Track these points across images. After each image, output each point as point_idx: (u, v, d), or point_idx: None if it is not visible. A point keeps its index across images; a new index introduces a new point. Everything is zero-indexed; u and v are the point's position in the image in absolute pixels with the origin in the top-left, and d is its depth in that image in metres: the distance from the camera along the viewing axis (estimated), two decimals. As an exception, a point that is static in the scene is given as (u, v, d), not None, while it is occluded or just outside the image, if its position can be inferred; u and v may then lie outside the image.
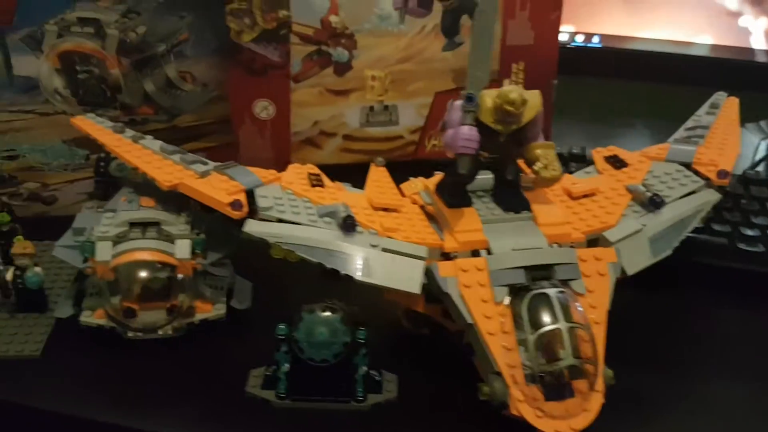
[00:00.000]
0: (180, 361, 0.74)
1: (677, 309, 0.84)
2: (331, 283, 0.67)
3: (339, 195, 0.75)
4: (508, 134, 0.69)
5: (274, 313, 0.67)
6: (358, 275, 0.65)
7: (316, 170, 0.79)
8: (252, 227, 0.68)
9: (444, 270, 0.66)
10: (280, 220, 0.69)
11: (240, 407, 0.68)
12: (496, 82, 1.13)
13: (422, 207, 0.75)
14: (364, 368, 0.67)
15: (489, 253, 0.67)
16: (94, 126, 0.81)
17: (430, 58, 1.10)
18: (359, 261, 0.66)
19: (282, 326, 0.65)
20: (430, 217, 0.74)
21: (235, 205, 0.68)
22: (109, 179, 0.98)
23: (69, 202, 0.99)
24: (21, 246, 0.75)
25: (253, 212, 0.70)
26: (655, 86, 1.33)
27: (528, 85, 0.88)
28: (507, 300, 0.64)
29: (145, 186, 0.78)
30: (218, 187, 0.70)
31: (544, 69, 1.13)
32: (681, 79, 1.27)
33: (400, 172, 0.82)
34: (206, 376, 0.73)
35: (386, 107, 1.13)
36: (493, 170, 0.73)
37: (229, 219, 0.70)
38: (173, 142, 0.82)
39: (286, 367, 0.67)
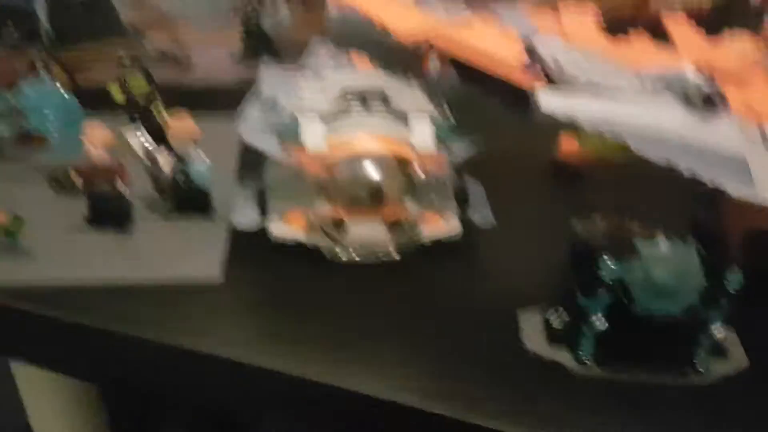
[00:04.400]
0: (406, 296, 0.52)
1: None
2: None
3: (652, 55, 0.49)
4: None
5: (517, 232, 0.50)
6: (746, 190, 0.40)
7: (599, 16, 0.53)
8: (552, 103, 0.42)
9: None
10: (593, 91, 0.44)
11: (507, 369, 0.46)
12: None
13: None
14: (720, 329, 0.44)
15: None
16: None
17: None
18: (749, 165, 0.40)
19: (607, 260, 0.42)
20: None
21: (532, 66, 0.43)
22: (261, 37, 0.76)
23: (206, 68, 0.76)
24: (180, 124, 0.52)
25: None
26: None
27: None
28: None
29: (350, 37, 0.54)
30: (490, 40, 0.45)
31: None
32: None
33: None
34: (447, 319, 0.50)
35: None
36: None
37: (502, 89, 0.45)
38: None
39: (600, 321, 0.44)
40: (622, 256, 0.42)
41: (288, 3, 0.73)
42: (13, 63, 0.62)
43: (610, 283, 0.42)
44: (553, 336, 0.47)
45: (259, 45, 0.75)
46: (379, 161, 0.48)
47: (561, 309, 0.47)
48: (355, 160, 0.48)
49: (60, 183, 0.55)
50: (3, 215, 0.50)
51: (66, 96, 0.56)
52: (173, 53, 0.75)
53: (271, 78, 0.53)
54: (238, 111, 0.53)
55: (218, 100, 0.72)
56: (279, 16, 0.73)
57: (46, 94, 0.54)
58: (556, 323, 0.47)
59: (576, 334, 0.45)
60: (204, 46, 0.75)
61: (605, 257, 0.41)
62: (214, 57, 0.76)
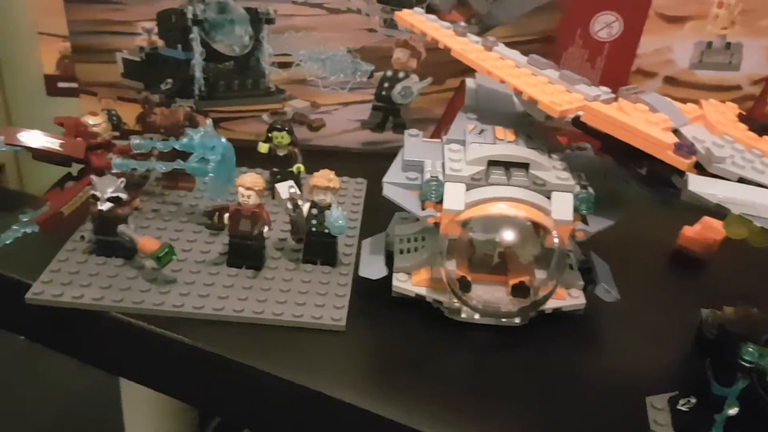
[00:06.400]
0: (524, 362, 0.52)
1: None
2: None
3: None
4: None
5: (639, 312, 0.50)
6: None
7: (741, 110, 0.54)
8: (703, 187, 0.43)
9: None
10: (741, 180, 0.44)
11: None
12: None
13: None
14: None
15: None
16: (427, 23, 0.59)
17: (798, -16, 0.81)
18: None
19: (752, 349, 0.41)
20: None
21: (683, 148, 0.44)
22: (390, 106, 0.80)
23: (335, 131, 0.81)
24: (325, 177, 0.56)
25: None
26: None
27: None
28: None
29: (489, 113, 0.56)
30: (641, 120, 0.47)
31: None
32: None
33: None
34: (563, 390, 0.51)
35: (728, 45, 0.86)
36: None
37: (648, 167, 0.46)
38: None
39: (733, 409, 0.43)
40: (758, 343, 0.42)
41: (419, 75, 0.77)
42: (175, 113, 0.68)
43: (749, 369, 0.41)
44: (679, 420, 0.46)
45: (388, 114, 0.80)
46: (515, 225, 0.49)
47: (690, 396, 0.46)
48: (491, 221, 0.49)
49: (212, 221, 0.60)
50: (156, 243, 0.55)
51: (226, 144, 0.61)
52: (309, 115, 0.80)
53: (414, 144, 0.56)
54: (366, 172, 0.55)
55: (345, 161, 0.77)
56: (410, 88, 0.77)
57: (209, 141, 0.59)
58: (684, 407, 0.46)
59: (705, 420, 0.44)
60: (337, 111, 0.80)
61: (748, 344, 0.41)
62: (344, 121, 0.80)
